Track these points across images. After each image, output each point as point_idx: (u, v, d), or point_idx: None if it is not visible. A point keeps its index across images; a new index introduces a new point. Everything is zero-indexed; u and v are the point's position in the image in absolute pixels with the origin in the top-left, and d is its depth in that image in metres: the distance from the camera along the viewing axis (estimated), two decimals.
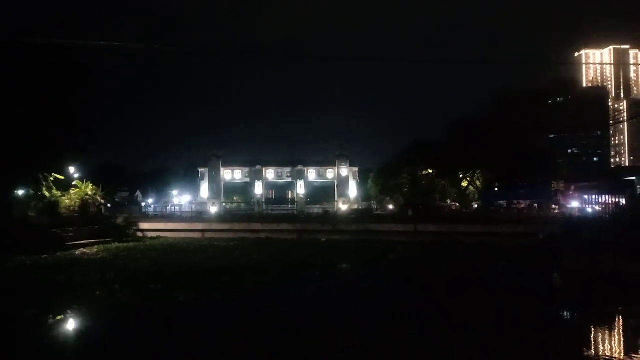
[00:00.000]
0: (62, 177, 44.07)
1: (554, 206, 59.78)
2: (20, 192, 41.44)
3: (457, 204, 72.99)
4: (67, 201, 44.53)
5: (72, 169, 46.74)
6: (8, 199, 39.33)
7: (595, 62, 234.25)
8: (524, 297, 19.30)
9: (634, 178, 54.34)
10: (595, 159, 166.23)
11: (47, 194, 42.17)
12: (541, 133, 78.46)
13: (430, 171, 71.60)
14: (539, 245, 38.32)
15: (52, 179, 42.57)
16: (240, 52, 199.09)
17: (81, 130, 44.21)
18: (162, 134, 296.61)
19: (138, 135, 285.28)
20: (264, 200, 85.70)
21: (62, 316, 15.86)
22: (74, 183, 46.25)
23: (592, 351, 12.51)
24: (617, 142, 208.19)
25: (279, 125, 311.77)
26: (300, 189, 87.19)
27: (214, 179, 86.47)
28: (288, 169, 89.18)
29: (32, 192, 41.74)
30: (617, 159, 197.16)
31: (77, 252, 32.32)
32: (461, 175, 71.27)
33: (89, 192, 46.37)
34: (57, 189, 43.49)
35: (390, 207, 73.69)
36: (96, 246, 36.01)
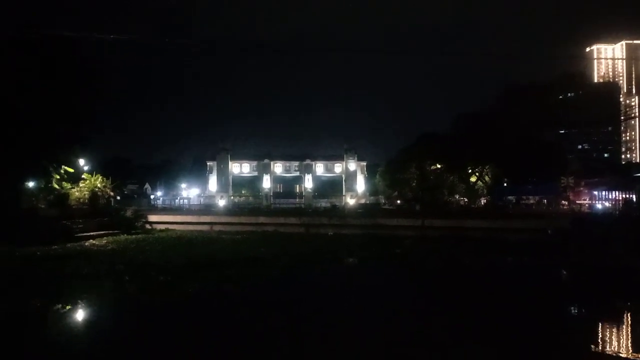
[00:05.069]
0: (72, 170, 44.38)
1: (563, 202, 59.44)
2: (31, 184, 41.78)
3: (466, 199, 72.71)
4: (76, 193, 44.85)
5: (81, 162, 47.02)
6: (18, 191, 39.66)
7: (607, 57, 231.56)
8: (533, 293, 19.23)
9: None
10: (605, 154, 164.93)
11: (56, 186, 42.52)
12: (551, 128, 78.01)
13: (439, 166, 71.30)
14: (548, 241, 38.17)
15: (62, 171, 42.90)
16: (257, 45, 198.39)
17: (87, 121, 44.40)
18: (169, 127, 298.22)
19: (146, 128, 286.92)
20: (271, 194, 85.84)
21: (71, 306, 16.00)
22: (83, 176, 46.54)
23: (601, 347, 12.44)
24: (628, 138, 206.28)
25: (287, 119, 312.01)
26: (308, 183, 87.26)
27: (223, 172, 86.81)
28: (296, 163, 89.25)
29: (42, 184, 42.09)
30: (628, 155, 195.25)
31: (86, 244, 32.55)
32: (470, 171, 70.94)
33: (98, 185, 46.65)
34: (67, 182, 43.83)
35: (398, 201, 73.55)
36: (105, 238, 36.24)
